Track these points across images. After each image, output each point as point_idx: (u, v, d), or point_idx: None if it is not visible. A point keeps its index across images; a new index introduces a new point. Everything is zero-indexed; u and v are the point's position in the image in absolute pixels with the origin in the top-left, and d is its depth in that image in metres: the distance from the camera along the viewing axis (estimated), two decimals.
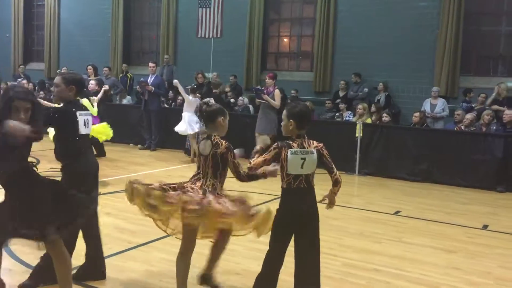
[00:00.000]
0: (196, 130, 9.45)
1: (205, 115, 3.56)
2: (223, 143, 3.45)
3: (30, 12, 17.85)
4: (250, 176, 3.43)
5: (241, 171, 3.44)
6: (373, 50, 11.71)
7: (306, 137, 3.35)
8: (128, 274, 4.06)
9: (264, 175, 3.42)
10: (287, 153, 3.24)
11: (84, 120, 3.77)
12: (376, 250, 4.93)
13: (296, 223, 3.29)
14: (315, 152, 3.29)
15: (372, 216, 6.29)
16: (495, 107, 9.45)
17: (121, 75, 14.03)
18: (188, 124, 9.64)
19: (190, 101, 9.77)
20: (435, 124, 10.11)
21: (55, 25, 16.70)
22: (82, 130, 3.74)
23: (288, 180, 3.27)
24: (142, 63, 14.74)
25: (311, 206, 3.32)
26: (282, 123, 3.39)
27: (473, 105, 10.02)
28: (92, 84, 9.80)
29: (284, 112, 3.39)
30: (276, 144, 3.31)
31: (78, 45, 16.06)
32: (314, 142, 3.36)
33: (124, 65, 14.43)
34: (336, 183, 3.40)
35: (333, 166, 3.36)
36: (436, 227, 5.91)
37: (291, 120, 3.30)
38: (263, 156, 3.30)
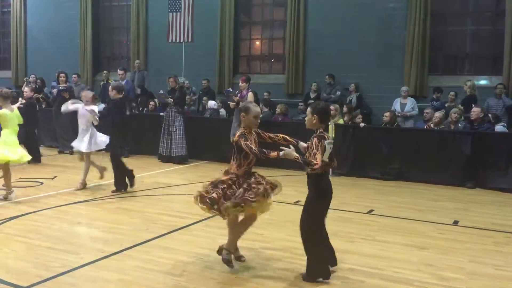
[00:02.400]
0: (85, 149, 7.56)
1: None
2: (238, 132, 4.18)
3: None
4: (263, 153, 3.98)
5: (255, 151, 4.01)
6: (343, 52, 11.85)
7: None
8: (102, 284, 3.99)
9: (277, 155, 3.94)
10: (325, 144, 3.87)
11: None
12: (350, 249, 4.97)
13: (330, 200, 4.10)
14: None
15: (346, 216, 6.35)
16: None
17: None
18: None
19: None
20: (405, 123, 10.29)
21: (22, 32, 16.37)
22: None
23: (322, 167, 3.87)
24: (113, 69, 14.55)
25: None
26: (306, 118, 4.07)
27: (446, 104, 10.21)
28: (26, 91, 9.84)
29: (308, 108, 4.07)
30: (316, 139, 3.92)
31: (46, 52, 15.77)
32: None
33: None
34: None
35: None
36: (408, 225, 6.01)
37: (314, 115, 3.96)
38: (318, 153, 3.85)
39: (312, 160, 3.85)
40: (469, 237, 5.54)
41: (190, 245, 4.92)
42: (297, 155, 3.88)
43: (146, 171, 9.28)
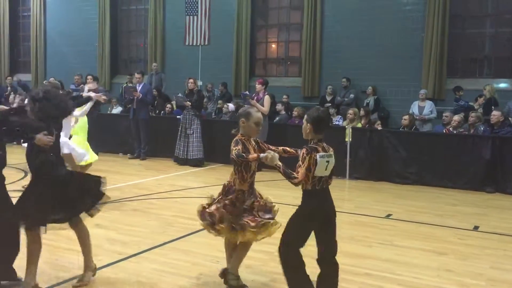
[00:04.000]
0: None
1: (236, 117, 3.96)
2: (234, 140, 3.78)
3: (15, 23, 17.75)
4: (240, 156, 3.61)
5: (233, 154, 3.65)
6: (360, 54, 11.79)
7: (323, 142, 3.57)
8: (119, 286, 4.01)
9: (256, 158, 3.56)
10: (316, 157, 3.41)
11: None
12: (368, 254, 4.93)
13: (320, 221, 3.52)
14: (333, 155, 3.56)
15: (363, 220, 6.30)
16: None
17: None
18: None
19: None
20: (423, 126, 10.18)
21: (41, 35, 16.62)
22: None
23: (313, 182, 3.45)
24: (130, 71, 14.66)
25: (332, 204, 3.61)
26: (303, 126, 3.60)
27: (470, 103, 10.03)
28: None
29: (305, 116, 3.62)
30: (305, 150, 3.44)
31: (64, 55, 16.01)
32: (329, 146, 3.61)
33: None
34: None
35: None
36: (427, 229, 5.93)
37: (308, 124, 3.50)
38: (305, 165, 3.39)
39: (293, 173, 3.38)
40: (489, 243, 5.45)
41: (207, 248, 4.93)
42: (279, 163, 3.41)
43: (163, 173, 9.34)
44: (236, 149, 3.66)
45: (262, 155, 3.49)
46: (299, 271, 3.52)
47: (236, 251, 3.96)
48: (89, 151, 7.09)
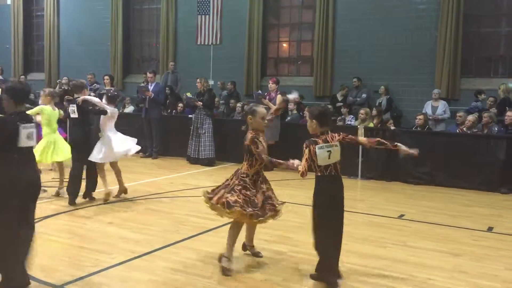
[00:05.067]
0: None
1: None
2: (249, 135, 4.23)
3: (29, 22, 17.91)
4: (272, 163, 4.12)
5: (264, 158, 4.13)
6: (372, 54, 11.72)
7: (329, 133, 3.95)
8: (132, 284, 4.03)
9: (285, 165, 4.05)
10: (315, 148, 3.83)
11: (28, 133, 3.69)
12: (381, 254, 4.89)
13: (333, 202, 3.90)
14: (338, 145, 3.91)
15: (377, 220, 6.26)
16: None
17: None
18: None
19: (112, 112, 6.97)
20: (436, 126, 10.08)
21: (55, 35, 16.75)
22: (23, 143, 3.66)
23: (320, 169, 3.89)
24: (142, 71, 14.72)
25: (340, 189, 3.97)
26: (307, 124, 4.05)
27: (487, 109, 9.89)
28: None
29: (307, 114, 4.09)
30: (305, 144, 3.91)
31: (77, 54, 16.11)
32: (336, 135, 3.96)
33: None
34: (380, 143, 4.12)
35: (361, 137, 4.23)
36: (441, 230, 5.88)
37: (313, 120, 3.95)
38: (304, 160, 3.86)
39: (297, 168, 3.89)
40: (504, 244, 5.38)
41: (219, 247, 4.91)
42: (299, 165, 3.90)
43: (175, 172, 9.37)
44: (261, 150, 4.12)
45: (290, 163, 3.95)
46: (332, 249, 3.93)
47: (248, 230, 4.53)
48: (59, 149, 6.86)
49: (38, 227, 5.49)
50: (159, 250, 4.82)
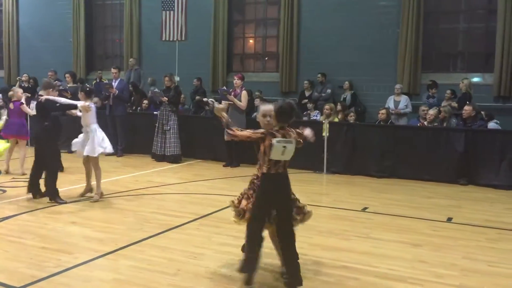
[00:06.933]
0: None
1: None
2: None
3: None
4: (228, 127, 3.87)
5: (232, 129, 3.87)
6: (337, 49, 11.87)
7: (287, 129, 3.82)
8: (96, 284, 3.97)
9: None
10: (272, 141, 3.67)
11: None
12: (345, 247, 4.98)
13: (275, 203, 3.80)
14: (294, 142, 3.78)
15: (341, 213, 6.36)
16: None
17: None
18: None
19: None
20: (398, 120, 10.31)
21: (14, 31, 16.25)
22: None
23: (268, 165, 3.74)
24: (106, 68, 14.48)
25: (286, 188, 3.86)
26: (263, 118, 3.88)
27: (442, 102, 10.17)
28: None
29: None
30: (263, 130, 3.78)
31: (38, 51, 15.68)
32: (291, 133, 3.83)
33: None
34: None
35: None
36: (403, 222, 6.03)
37: (273, 112, 3.79)
38: (250, 132, 3.79)
39: (233, 129, 3.79)
40: (462, 234, 5.57)
41: (184, 244, 4.92)
42: (225, 115, 3.91)
43: (140, 170, 9.27)
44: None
45: (215, 104, 3.78)
46: (256, 241, 3.80)
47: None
48: None
49: None
50: (123, 249, 4.77)
